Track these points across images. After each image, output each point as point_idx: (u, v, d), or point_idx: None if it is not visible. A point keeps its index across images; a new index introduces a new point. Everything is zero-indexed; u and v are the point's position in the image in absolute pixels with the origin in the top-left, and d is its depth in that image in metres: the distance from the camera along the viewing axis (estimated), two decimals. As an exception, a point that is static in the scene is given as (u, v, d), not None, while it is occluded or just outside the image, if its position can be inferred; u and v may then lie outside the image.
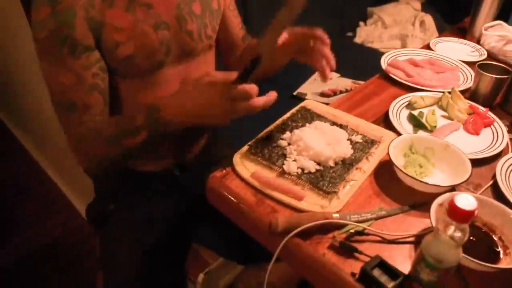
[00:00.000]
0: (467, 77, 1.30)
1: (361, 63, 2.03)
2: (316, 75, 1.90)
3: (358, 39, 2.37)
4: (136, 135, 0.82)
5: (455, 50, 1.52)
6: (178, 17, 0.90)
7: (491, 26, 1.53)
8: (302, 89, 1.78)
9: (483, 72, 1.13)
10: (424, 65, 1.32)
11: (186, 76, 0.90)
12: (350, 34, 2.47)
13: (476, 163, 0.89)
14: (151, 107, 0.81)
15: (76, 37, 0.79)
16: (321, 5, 2.21)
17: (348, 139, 0.91)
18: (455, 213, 0.52)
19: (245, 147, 0.89)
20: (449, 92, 1.13)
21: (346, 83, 1.83)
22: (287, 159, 0.84)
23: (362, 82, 1.86)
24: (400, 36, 2.29)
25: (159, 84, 0.93)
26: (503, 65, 1.16)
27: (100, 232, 1.11)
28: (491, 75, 1.11)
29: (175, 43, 0.91)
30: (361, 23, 2.48)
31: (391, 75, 1.25)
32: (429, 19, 2.34)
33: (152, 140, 0.84)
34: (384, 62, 1.34)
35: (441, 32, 2.39)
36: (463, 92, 1.17)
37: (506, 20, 1.60)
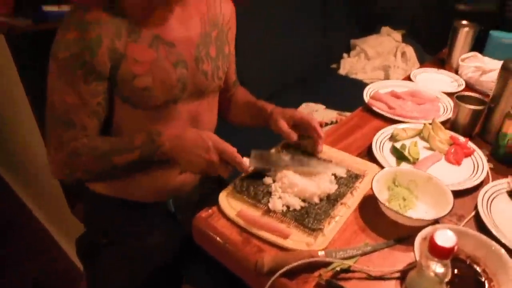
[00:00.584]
0: (447, 108, 1.34)
1: (346, 95, 2.06)
2: (303, 106, 1.93)
3: (342, 71, 2.42)
4: (129, 153, 0.86)
5: (435, 81, 1.56)
6: (196, 58, 0.97)
7: (467, 57, 1.58)
8: (288, 122, 1.81)
9: (461, 104, 1.16)
10: (406, 97, 1.36)
11: (196, 115, 1.01)
12: (334, 66, 2.53)
13: (459, 194, 0.91)
14: (152, 131, 0.87)
15: (94, 65, 0.83)
16: (307, 37, 2.28)
17: (332, 174, 0.92)
18: (435, 250, 0.53)
19: (231, 185, 0.90)
20: (430, 123, 1.16)
21: (332, 115, 1.86)
22: (272, 196, 0.85)
23: (347, 114, 1.90)
24: (383, 67, 2.35)
25: (170, 119, 0.97)
26: (480, 96, 1.20)
27: (89, 266, 1.09)
28: (469, 106, 1.14)
29: (191, 81, 0.97)
30: (345, 55, 2.55)
31: (373, 108, 1.28)
32: (410, 50, 2.42)
33: (139, 166, 0.88)
34: (366, 95, 1.37)
35: (422, 62, 2.47)
36: (444, 122, 1.20)
37: (481, 51, 1.66)
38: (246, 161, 0.88)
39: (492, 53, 1.64)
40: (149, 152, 0.86)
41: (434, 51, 2.54)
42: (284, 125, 1.01)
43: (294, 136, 1.00)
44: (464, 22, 1.64)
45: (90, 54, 0.82)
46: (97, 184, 1.07)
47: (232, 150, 0.85)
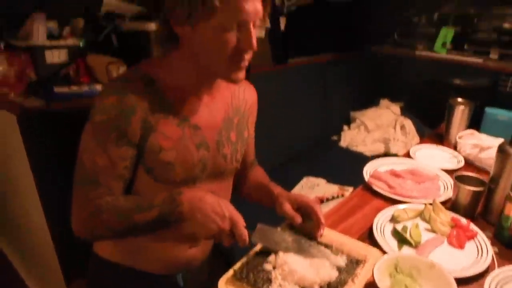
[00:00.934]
0: (447, 186, 1.34)
1: (347, 168, 2.08)
2: (304, 180, 1.95)
3: (343, 143, 2.47)
4: (149, 211, 0.88)
5: (434, 157, 1.58)
6: (218, 142, 1.02)
7: (465, 135, 1.61)
8: (290, 196, 1.81)
9: (460, 185, 1.17)
10: (405, 175, 1.37)
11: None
12: (335, 138, 2.58)
13: (463, 281, 0.89)
14: (175, 191, 0.89)
15: (126, 130, 0.88)
16: (308, 111, 2.35)
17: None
18: None
19: (231, 271, 0.89)
20: (431, 204, 1.16)
21: (333, 189, 1.87)
22: (272, 284, 0.84)
23: (349, 188, 1.91)
24: (383, 140, 2.39)
25: None
26: (479, 176, 1.21)
27: None
28: (468, 188, 1.15)
29: (211, 163, 1.01)
30: (345, 127, 2.60)
31: (373, 187, 1.29)
32: (408, 123, 2.47)
33: (157, 226, 0.89)
34: (366, 174, 1.38)
35: (421, 134, 2.51)
36: (444, 202, 1.20)
37: (477, 127, 1.70)
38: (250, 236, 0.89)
39: (488, 129, 1.68)
40: (168, 210, 0.87)
41: (432, 124, 2.60)
42: (289, 208, 1.03)
43: (298, 219, 1.02)
44: (460, 99, 1.69)
45: (124, 120, 0.88)
46: (104, 249, 1.07)
47: (242, 224, 0.87)
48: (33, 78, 1.41)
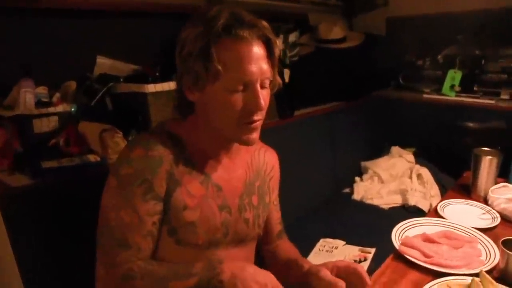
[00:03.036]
0: (488, 250, 1.19)
1: (366, 225, 1.94)
2: (320, 244, 1.78)
3: (356, 196, 2.31)
4: (186, 279, 0.84)
5: (465, 214, 1.43)
6: (239, 205, 1.02)
7: (497, 188, 1.48)
8: (307, 263, 1.64)
9: (509, 253, 1.01)
10: (440, 239, 1.21)
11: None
12: (347, 190, 2.43)
13: None
14: (213, 258, 0.91)
15: (153, 183, 0.87)
16: (316, 163, 2.22)
17: None
18: None
19: None
20: (477, 275, 1.00)
21: (354, 252, 1.70)
22: None
23: (371, 249, 1.74)
24: (399, 191, 2.24)
25: None
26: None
27: None
28: (521, 257, 0.99)
29: (233, 227, 1.00)
30: (357, 179, 2.46)
31: (407, 256, 1.13)
32: (425, 172, 2.33)
33: None
34: (396, 240, 1.22)
35: (439, 182, 2.37)
36: (490, 270, 1.04)
37: (506, 176, 1.56)
38: None
39: (518, 179, 1.54)
40: (207, 278, 0.84)
41: (449, 170, 2.48)
42: (328, 274, 0.95)
43: (342, 284, 0.92)
44: (485, 148, 1.56)
45: (151, 172, 0.87)
46: None
47: None
48: (19, 150, 1.28)
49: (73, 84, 1.53)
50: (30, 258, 1.13)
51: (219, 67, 0.84)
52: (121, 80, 1.53)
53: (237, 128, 0.91)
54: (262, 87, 0.90)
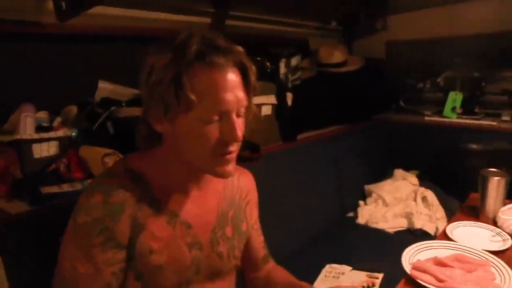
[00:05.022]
0: (502, 273, 1.15)
1: (372, 250, 1.90)
2: (326, 270, 1.73)
3: (360, 220, 2.27)
4: None
5: (475, 236, 1.39)
6: (211, 240, 0.96)
7: (507, 209, 1.45)
8: (314, 290, 1.59)
9: (528, 276, 0.97)
10: (452, 263, 1.17)
11: None
12: (351, 214, 2.39)
13: None
14: None
15: (114, 231, 0.81)
16: (319, 187, 2.19)
17: None
18: None
19: None
20: (494, 301, 0.96)
21: (361, 277, 1.65)
22: None
23: (378, 275, 1.69)
24: (405, 214, 2.21)
25: None
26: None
27: None
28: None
29: (205, 263, 0.95)
30: (361, 203, 2.42)
31: (420, 282, 1.09)
32: (430, 195, 2.30)
33: None
34: (406, 263, 1.18)
35: (445, 205, 2.33)
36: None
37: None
38: None
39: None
40: None
41: (454, 192, 2.45)
42: None
43: None
44: (492, 169, 1.53)
45: (111, 220, 0.81)
46: None
47: None
48: (18, 176, 1.25)
49: (74, 109, 1.52)
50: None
51: (193, 97, 0.78)
52: (123, 104, 1.52)
53: (211, 160, 0.85)
54: (238, 115, 0.85)
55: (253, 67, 0.87)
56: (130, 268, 0.85)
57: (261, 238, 1.16)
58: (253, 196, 1.11)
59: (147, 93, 0.83)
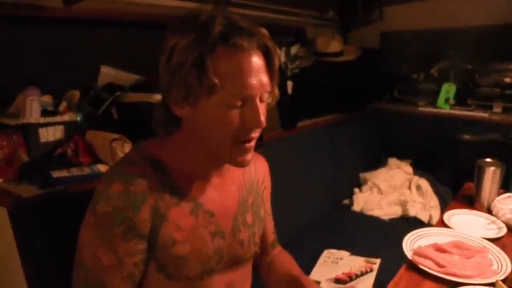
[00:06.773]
0: (499, 259, 1.19)
1: (368, 236, 1.95)
2: (325, 255, 1.77)
3: (356, 207, 2.32)
4: None
5: (471, 224, 1.44)
6: (233, 228, 0.94)
7: (502, 199, 1.49)
8: (314, 274, 1.63)
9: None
10: (451, 249, 1.22)
11: (232, 284, 0.96)
12: (346, 201, 2.44)
13: None
14: None
15: (135, 221, 0.78)
16: (317, 174, 2.22)
17: None
18: None
19: None
20: (492, 284, 1.01)
21: (360, 263, 1.70)
22: None
23: (376, 260, 1.73)
24: (399, 202, 2.26)
25: None
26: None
27: None
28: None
29: (227, 252, 0.93)
30: (356, 190, 2.47)
31: (421, 266, 1.13)
32: (424, 183, 2.36)
33: None
34: (407, 249, 1.23)
35: (438, 193, 2.39)
36: (504, 280, 1.05)
37: (506, 188, 1.58)
38: None
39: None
40: None
41: (445, 180, 2.51)
42: None
43: None
44: (488, 160, 1.58)
45: (133, 209, 0.78)
46: None
47: None
48: (25, 160, 1.25)
49: (76, 93, 1.51)
50: (38, 269, 1.10)
51: (216, 80, 0.75)
52: (127, 89, 1.51)
53: (231, 147, 0.82)
54: (261, 101, 0.82)
55: (278, 50, 0.84)
56: (152, 259, 0.84)
57: (272, 223, 1.16)
58: (268, 182, 1.10)
59: (168, 76, 0.79)
